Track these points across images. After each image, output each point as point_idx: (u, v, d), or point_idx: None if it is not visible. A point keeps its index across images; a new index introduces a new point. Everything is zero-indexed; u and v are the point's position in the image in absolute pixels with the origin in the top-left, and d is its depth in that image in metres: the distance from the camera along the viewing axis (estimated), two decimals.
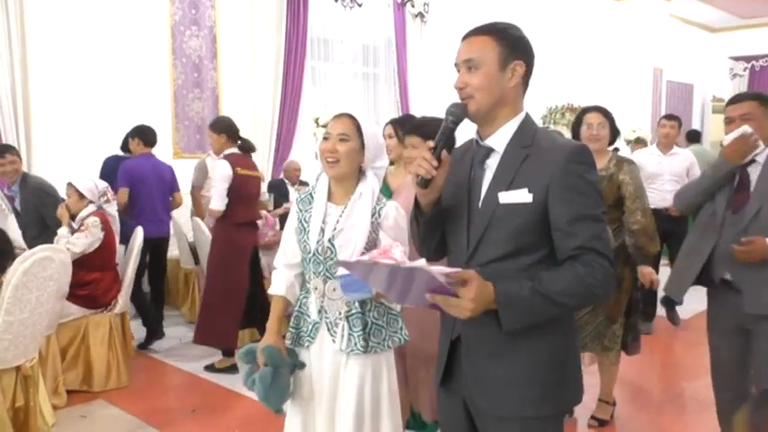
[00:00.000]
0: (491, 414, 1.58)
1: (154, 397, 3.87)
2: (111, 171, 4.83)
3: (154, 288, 5.06)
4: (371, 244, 2.04)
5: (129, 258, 4.19)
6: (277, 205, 5.89)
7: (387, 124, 3.27)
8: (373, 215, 2.06)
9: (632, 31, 10.21)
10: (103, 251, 3.89)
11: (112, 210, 4.09)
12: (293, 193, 6.04)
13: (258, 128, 6.54)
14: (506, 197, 1.51)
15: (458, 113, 1.54)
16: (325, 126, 4.16)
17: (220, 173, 4.03)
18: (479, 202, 1.56)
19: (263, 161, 6.52)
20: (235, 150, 4.17)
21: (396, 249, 1.89)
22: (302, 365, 2.12)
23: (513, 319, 1.46)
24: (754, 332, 2.48)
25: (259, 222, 4.72)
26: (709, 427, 2.97)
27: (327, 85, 7.46)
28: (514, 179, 1.51)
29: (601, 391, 3.40)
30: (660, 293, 4.89)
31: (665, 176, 4.89)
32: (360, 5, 7.30)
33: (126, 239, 4.35)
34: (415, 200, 1.62)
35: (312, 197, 2.14)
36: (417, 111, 7.21)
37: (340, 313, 2.06)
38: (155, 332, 4.78)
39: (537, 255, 1.52)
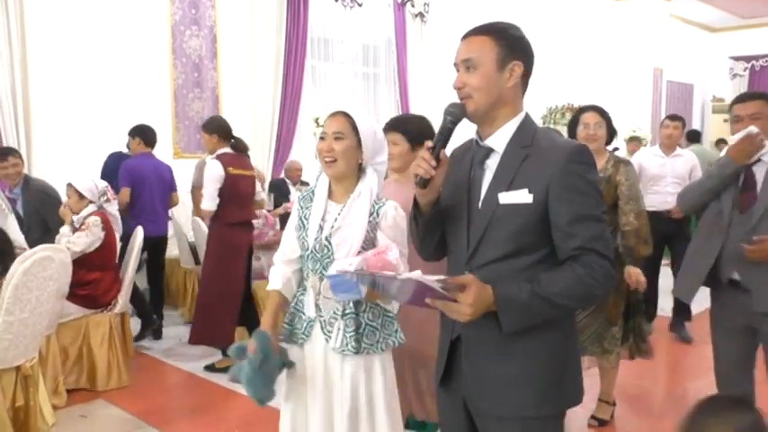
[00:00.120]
0: (491, 414, 1.58)
1: (154, 397, 3.87)
2: (113, 168, 4.85)
3: (153, 287, 5.07)
4: (369, 243, 2.03)
5: (130, 258, 4.19)
6: (278, 205, 5.89)
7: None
8: (371, 214, 2.05)
9: (632, 31, 10.21)
10: (104, 251, 3.89)
11: (113, 209, 4.09)
12: (294, 192, 6.05)
13: (258, 128, 6.54)
14: (506, 197, 1.51)
15: (456, 113, 1.54)
16: None
17: (210, 173, 4.04)
18: (479, 202, 1.56)
19: (264, 161, 6.53)
20: (227, 150, 4.18)
21: (391, 252, 1.88)
22: (291, 364, 2.10)
23: (512, 322, 1.47)
24: (761, 331, 2.49)
25: (259, 222, 4.72)
26: None
27: (327, 85, 7.46)
28: (514, 179, 1.51)
29: (601, 392, 3.39)
30: (659, 294, 4.89)
31: (667, 179, 4.79)
32: (360, 5, 7.30)
33: (126, 239, 4.35)
34: (414, 200, 1.62)
35: (313, 195, 2.14)
36: (417, 110, 7.22)
37: (335, 312, 2.06)
38: (148, 325, 4.80)
39: (537, 255, 1.52)
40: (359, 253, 1.97)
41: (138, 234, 4.26)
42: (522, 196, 1.49)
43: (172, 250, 5.39)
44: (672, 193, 4.37)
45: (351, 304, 2.04)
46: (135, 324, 4.64)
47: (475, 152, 1.62)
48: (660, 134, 5.04)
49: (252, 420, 3.44)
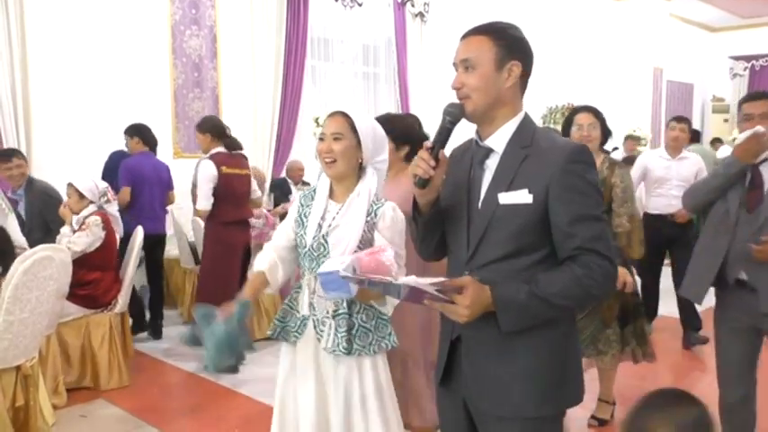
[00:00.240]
0: (491, 414, 1.58)
1: (153, 396, 3.87)
2: (115, 166, 4.86)
3: (153, 287, 5.07)
4: (365, 243, 2.02)
5: (130, 258, 4.19)
6: (279, 204, 5.89)
7: None
8: (369, 214, 2.04)
9: (632, 31, 10.20)
10: (104, 251, 3.89)
11: (113, 209, 4.09)
12: (296, 192, 6.04)
13: (258, 128, 6.54)
14: (506, 198, 1.51)
15: (455, 113, 1.54)
16: None
17: (203, 173, 4.07)
18: (479, 202, 1.56)
19: (264, 161, 6.52)
20: (221, 149, 4.19)
21: (385, 254, 1.87)
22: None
23: (510, 323, 1.47)
24: (767, 332, 2.48)
25: (260, 222, 4.72)
26: None
27: (327, 85, 7.46)
28: (514, 180, 1.51)
29: (600, 392, 3.39)
30: (660, 296, 4.89)
31: (672, 182, 4.70)
32: (360, 5, 7.30)
33: (125, 238, 4.35)
34: (414, 200, 1.62)
35: (315, 194, 2.14)
36: (417, 110, 7.22)
37: (327, 312, 2.05)
38: (140, 326, 4.81)
39: (537, 255, 1.52)
40: (354, 253, 1.96)
41: (138, 234, 4.26)
42: (522, 196, 1.49)
43: (171, 250, 5.39)
44: (676, 196, 4.28)
45: (344, 304, 2.03)
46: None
47: (474, 152, 1.62)
48: (666, 136, 4.93)
49: (252, 420, 3.44)
